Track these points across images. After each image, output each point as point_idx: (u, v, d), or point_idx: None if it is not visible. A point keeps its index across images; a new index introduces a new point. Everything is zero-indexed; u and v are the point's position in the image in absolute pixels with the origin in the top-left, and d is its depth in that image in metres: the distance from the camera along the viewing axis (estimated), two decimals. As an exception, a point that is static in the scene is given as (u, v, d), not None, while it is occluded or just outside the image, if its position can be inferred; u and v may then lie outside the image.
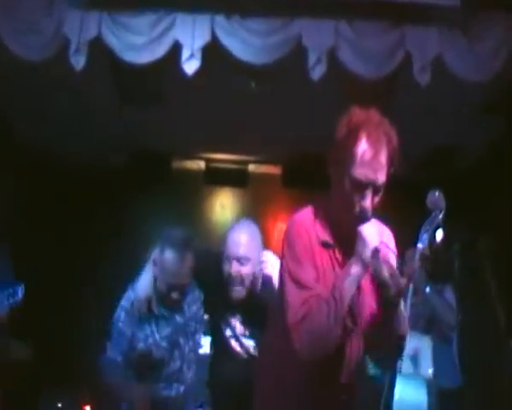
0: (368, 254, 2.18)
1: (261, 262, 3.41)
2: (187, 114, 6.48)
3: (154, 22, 4.64)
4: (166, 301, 3.38)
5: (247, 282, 3.33)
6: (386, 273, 2.16)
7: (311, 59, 4.62)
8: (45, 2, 4.62)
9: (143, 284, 3.41)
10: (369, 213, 2.25)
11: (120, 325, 3.39)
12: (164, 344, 3.43)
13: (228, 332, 3.44)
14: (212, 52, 4.68)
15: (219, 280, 3.37)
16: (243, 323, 3.42)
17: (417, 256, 4.34)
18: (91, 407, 6.35)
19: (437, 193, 4.27)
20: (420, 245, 4.33)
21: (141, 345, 3.41)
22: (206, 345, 5.67)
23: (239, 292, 3.32)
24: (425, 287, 4.54)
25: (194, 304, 3.52)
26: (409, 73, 4.64)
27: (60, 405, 6.27)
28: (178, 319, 3.47)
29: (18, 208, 6.60)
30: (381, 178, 2.22)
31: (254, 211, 8.37)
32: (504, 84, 5.02)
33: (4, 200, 6.05)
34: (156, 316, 3.43)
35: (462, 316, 4.59)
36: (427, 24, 4.60)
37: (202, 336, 3.68)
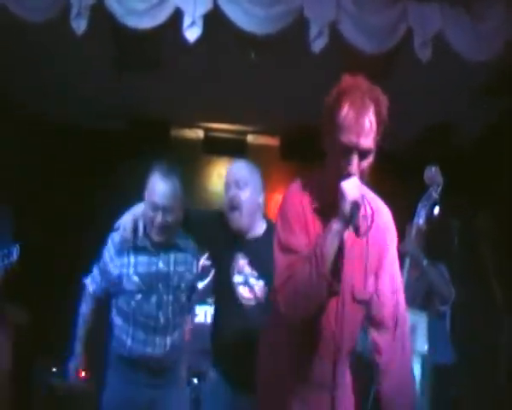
0: (347, 207, 2.18)
1: (261, 195, 3.49)
2: (186, 82, 6.46)
3: (156, -12, 4.61)
4: (152, 229, 3.41)
5: (246, 209, 3.37)
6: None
7: (313, 31, 4.60)
8: (48, -35, 4.59)
9: (132, 210, 3.52)
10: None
11: (104, 252, 3.51)
12: (135, 279, 3.42)
13: (236, 278, 3.40)
14: (213, 20, 4.65)
15: (222, 223, 3.45)
16: (251, 263, 3.39)
17: (414, 231, 4.40)
18: (87, 373, 6.39)
19: (434, 168, 4.32)
20: (417, 220, 4.38)
21: (115, 271, 3.44)
22: (200, 315, 5.72)
23: (237, 219, 3.37)
24: (422, 261, 4.52)
25: (182, 264, 3.56)
26: (410, 48, 4.62)
27: (54, 369, 6.31)
28: (161, 265, 3.49)
29: (18, 170, 6.61)
30: (366, 142, 2.23)
31: (252, 182, 8.40)
32: (506, 65, 5.01)
33: (5, 161, 6.04)
34: (138, 249, 3.45)
35: (457, 291, 4.61)
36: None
37: (197, 305, 3.69)
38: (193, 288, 3.67)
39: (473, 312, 5.50)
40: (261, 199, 3.48)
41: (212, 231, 3.53)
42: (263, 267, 3.30)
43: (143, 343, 3.41)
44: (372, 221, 2.24)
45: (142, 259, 3.44)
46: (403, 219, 5.06)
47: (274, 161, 8.15)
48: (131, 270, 3.42)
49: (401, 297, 2.57)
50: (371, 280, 2.47)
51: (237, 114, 7.55)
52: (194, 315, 3.61)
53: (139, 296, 3.40)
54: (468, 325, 5.38)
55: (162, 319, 3.42)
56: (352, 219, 2.19)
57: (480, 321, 5.44)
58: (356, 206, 2.18)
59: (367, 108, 2.22)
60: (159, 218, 3.37)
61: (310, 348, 2.46)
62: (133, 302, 3.40)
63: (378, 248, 2.46)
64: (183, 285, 3.53)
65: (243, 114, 7.58)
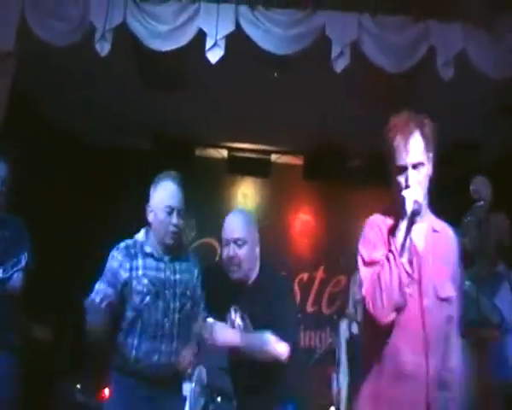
0: (410, 205, 2.53)
1: (257, 245, 3.54)
2: (210, 102, 6.52)
3: (178, 11, 4.71)
4: (165, 234, 3.44)
5: (245, 264, 3.44)
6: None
7: (335, 51, 4.64)
8: (72, -11, 4.70)
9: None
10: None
11: (110, 262, 3.49)
12: (145, 281, 3.43)
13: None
14: (236, 41, 4.71)
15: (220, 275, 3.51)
16: (243, 317, 3.47)
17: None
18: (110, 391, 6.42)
19: (481, 179, 4.09)
20: (460, 237, 4.12)
21: (125, 275, 3.44)
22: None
23: (238, 273, 3.43)
24: (464, 281, 4.20)
25: (187, 272, 3.57)
26: (431, 67, 4.63)
27: (79, 386, 6.36)
28: (168, 273, 3.50)
29: (42, 186, 6.70)
30: (415, 158, 2.60)
31: (276, 201, 8.42)
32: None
33: (26, 175, 6.14)
34: (146, 255, 3.48)
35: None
36: (451, 18, 4.58)
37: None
38: (197, 296, 3.68)
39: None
40: (258, 249, 3.55)
41: (211, 283, 3.61)
42: (255, 319, 3.39)
43: (150, 352, 3.40)
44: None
45: (150, 264, 3.48)
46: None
47: (297, 180, 8.18)
48: (141, 272, 3.44)
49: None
50: (450, 284, 2.69)
51: (261, 133, 7.60)
52: (213, 330, 3.56)
53: (148, 298, 3.42)
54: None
55: (168, 326, 3.42)
56: (413, 215, 2.53)
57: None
58: (417, 204, 2.53)
59: (412, 133, 2.61)
60: (174, 219, 3.42)
61: (400, 343, 2.61)
62: (142, 305, 3.41)
63: (453, 256, 2.76)
64: (188, 293, 3.55)
65: (267, 134, 7.62)
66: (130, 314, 3.44)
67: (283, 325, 3.24)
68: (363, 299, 2.61)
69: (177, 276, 3.52)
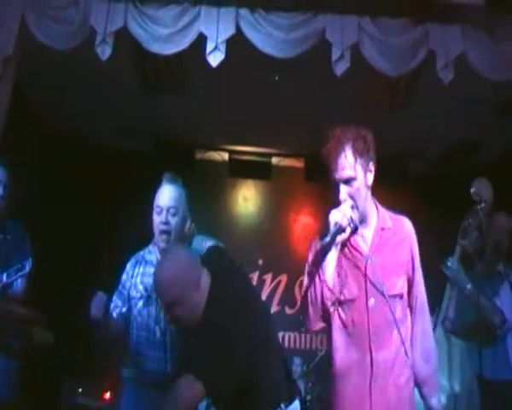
0: (331, 227, 2.72)
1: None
2: (211, 105, 6.53)
3: (179, 14, 4.70)
4: (158, 237, 3.42)
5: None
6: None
7: (335, 54, 4.64)
8: (72, -7, 4.70)
9: None
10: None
11: (123, 270, 3.57)
12: (140, 287, 3.45)
13: None
14: (237, 44, 4.72)
15: None
16: None
17: (458, 252, 4.12)
18: (111, 394, 6.43)
19: (482, 181, 4.04)
20: (461, 239, 4.10)
21: (128, 284, 3.50)
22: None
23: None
24: (465, 284, 4.06)
25: None
26: (432, 70, 4.64)
27: (80, 390, 6.36)
28: None
29: (41, 189, 6.71)
30: (345, 173, 2.76)
31: (277, 204, 8.44)
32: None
33: (27, 179, 6.15)
34: (146, 262, 3.51)
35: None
36: (450, 22, 4.59)
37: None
38: None
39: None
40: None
41: None
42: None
43: (146, 359, 3.40)
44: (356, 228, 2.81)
45: (149, 270, 3.47)
46: (439, 238, 5.01)
47: (298, 182, 8.20)
48: (138, 279, 3.47)
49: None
50: (402, 281, 2.85)
51: (262, 136, 7.61)
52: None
53: (140, 304, 3.42)
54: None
55: (158, 333, 3.40)
56: (334, 235, 2.72)
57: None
58: (337, 225, 2.71)
59: (342, 148, 2.76)
60: (162, 218, 3.38)
61: (347, 341, 2.82)
62: (135, 311, 3.42)
63: (405, 253, 2.89)
64: None
65: (268, 137, 7.64)
66: (129, 320, 3.46)
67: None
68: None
69: None
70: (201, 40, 4.70)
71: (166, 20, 4.70)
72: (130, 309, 3.49)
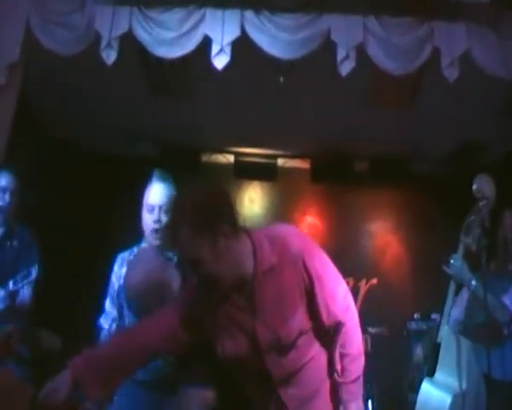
0: None
1: None
2: (217, 107, 6.54)
3: (183, 17, 4.70)
4: (150, 234, 3.37)
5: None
6: None
7: (340, 54, 4.64)
8: (77, -2, 4.71)
9: None
10: None
11: (112, 271, 3.51)
12: (128, 288, 3.39)
13: None
14: (242, 46, 4.72)
15: None
16: None
17: (461, 249, 4.10)
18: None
19: (484, 177, 4.00)
20: (464, 237, 4.07)
21: (116, 285, 3.44)
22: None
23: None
24: (469, 282, 3.98)
25: None
26: (435, 68, 4.63)
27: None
28: None
29: (46, 195, 6.71)
30: (189, 255, 2.33)
31: (282, 205, 8.43)
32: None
33: (33, 186, 6.16)
34: (130, 262, 3.45)
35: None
36: (455, 19, 4.58)
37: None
38: None
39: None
40: None
41: None
42: None
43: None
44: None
45: (133, 272, 3.45)
46: (443, 238, 4.99)
47: (304, 184, 8.19)
48: (126, 280, 3.46)
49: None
50: (300, 314, 2.42)
51: (267, 138, 7.61)
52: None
53: (129, 304, 3.41)
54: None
55: None
56: None
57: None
58: None
59: (180, 230, 2.32)
60: (155, 216, 3.34)
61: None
62: (125, 311, 3.41)
63: (293, 284, 2.41)
64: None
65: (273, 139, 7.63)
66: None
67: None
68: None
69: None
70: (206, 43, 4.71)
71: (171, 23, 4.71)
72: (122, 309, 3.47)
